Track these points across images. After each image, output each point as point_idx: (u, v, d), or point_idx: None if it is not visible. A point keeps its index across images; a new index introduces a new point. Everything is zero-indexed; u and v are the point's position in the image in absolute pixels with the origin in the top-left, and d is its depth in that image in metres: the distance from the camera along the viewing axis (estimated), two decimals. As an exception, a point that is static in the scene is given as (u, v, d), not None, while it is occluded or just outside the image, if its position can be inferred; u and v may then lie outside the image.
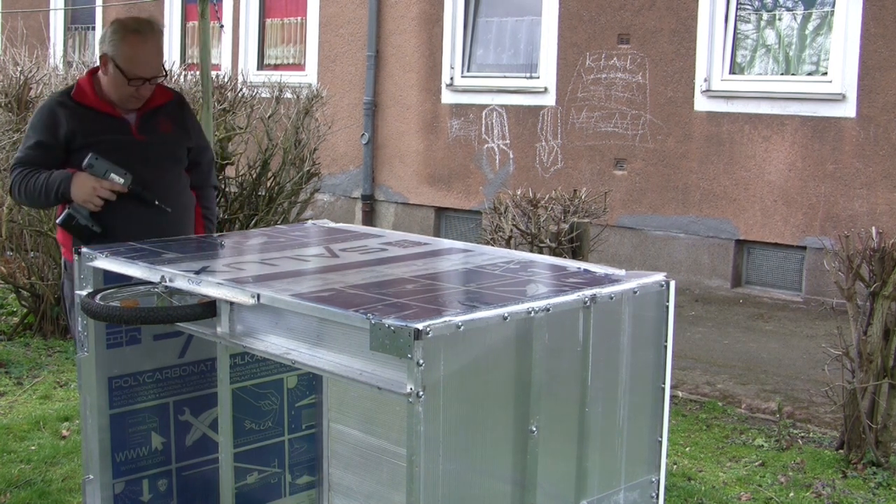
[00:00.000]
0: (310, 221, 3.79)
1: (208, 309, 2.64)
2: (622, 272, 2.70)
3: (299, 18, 11.98)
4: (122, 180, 3.48)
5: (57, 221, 3.59)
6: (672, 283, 2.65)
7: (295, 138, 7.50)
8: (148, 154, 3.62)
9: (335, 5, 11.49)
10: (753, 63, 8.89)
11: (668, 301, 2.65)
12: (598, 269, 2.77)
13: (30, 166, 3.57)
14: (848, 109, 8.13)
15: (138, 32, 3.56)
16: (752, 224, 8.67)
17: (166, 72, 3.72)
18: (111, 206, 3.51)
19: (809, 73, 8.57)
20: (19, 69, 6.54)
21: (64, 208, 3.56)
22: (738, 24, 8.85)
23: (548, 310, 2.33)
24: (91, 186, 3.45)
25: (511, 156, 10.08)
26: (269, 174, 7.49)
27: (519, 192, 5.87)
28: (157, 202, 3.56)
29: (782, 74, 8.68)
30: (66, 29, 14.83)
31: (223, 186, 7.34)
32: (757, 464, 4.84)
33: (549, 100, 9.79)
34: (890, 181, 7.97)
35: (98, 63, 3.65)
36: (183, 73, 7.85)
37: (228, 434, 3.30)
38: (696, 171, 8.95)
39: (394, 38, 10.96)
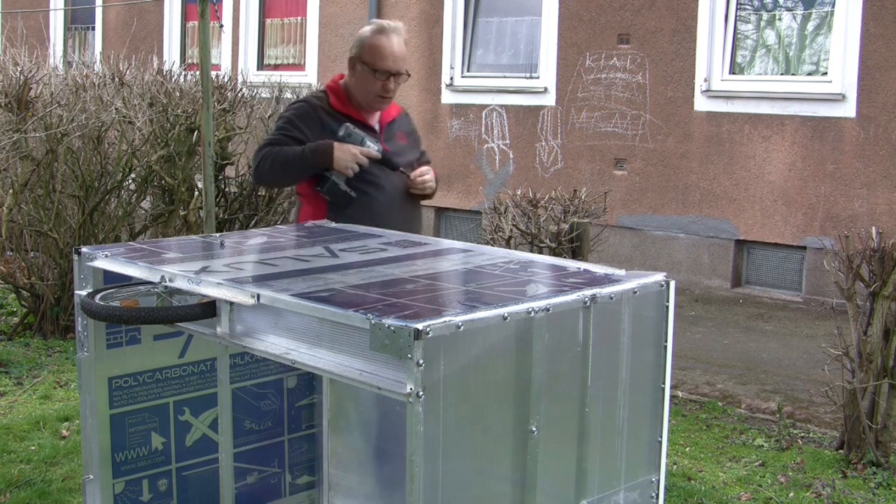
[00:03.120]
0: (310, 221, 3.79)
1: (208, 309, 2.64)
2: (622, 272, 2.70)
3: (299, 18, 11.97)
4: (375, 147, 3.77)
5: (319, 188, 3.79)
6: (672, 283, 2.65)
7: (295, 138, 7.49)
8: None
9: (335, 5, 11.49)
10: (753, 63, 8.89)
11: (668, 301, 2.65)
12: (598, 269, 2.77)
13: (279, 143, 3.78)
14: (848, 109, 8.13)
15: (382, 31, 3.81)
16: (752, 224, 8.67)
17: (409, 75, 3.91)
18: (360, 173, 3.76)
19: (809, 73, 8.57)
20: (19, 69, 6.54)
21: (315, 179, 3.78)
22: (738, 24, 8.85)
23: (548, 310, 2.32)
24: (352, 154, 3.70)
25: (511, 156, 10.08)
26: (270, 174, 7.48)
27: (519, 192, 5.88)
28: (401, 169, 3.85)
29: (782, 74, 8.68)
30: (66, 29, 14.83)
31: (223, 186, 7.35)
32: (757, 464, 4.84)
33: (549, 100, 9.79)
34: (890, 181, 7.97)
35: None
36: (183, 73, 7.85)
37: (228, 434, 3.31)
38: (696, 171, 8.95)
39: (394, 38, 10.94)
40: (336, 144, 3.71)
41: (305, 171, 3.76)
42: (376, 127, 3.90)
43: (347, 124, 3.76)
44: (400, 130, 4.01)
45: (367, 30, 3.85)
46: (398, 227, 3.56)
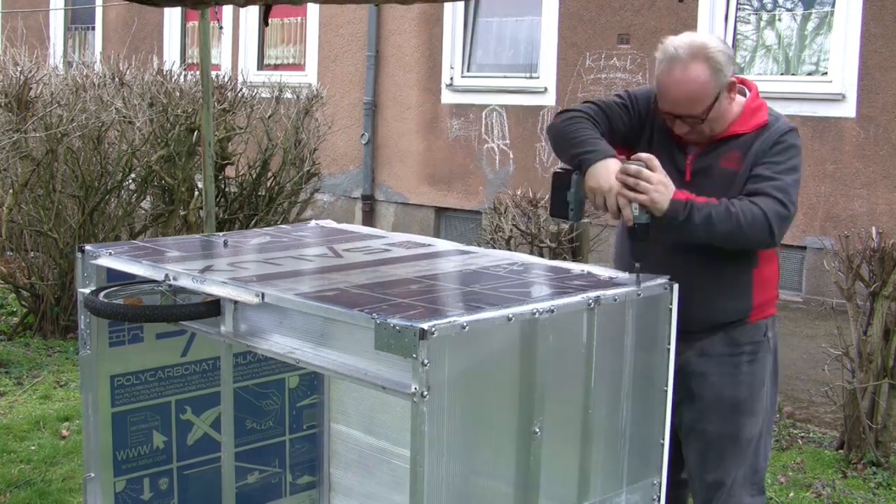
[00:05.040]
0: (313, 221, 3.79)
1: (212, 308, 2.64)
2: (625, 274, 2.70)
3: (299, 18, 11.97)
4: (635, 213, 2.69)
5: (560, 166, 2.90)
6: (675, 286, 2.65)
7: (295, 138, 7.50)
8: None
9: (335, 5, 11.48)
10: (753, 63, 8.90)
11: (671, 304, 2.65)
12: (602, 271, 2.77)
13: (590, 114, 2.92)
14: (848, 109, 8.14)
15: (666, 60, 2.83)
16: (752, 224, 8.66)
17: (704, 117, 2.83)
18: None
19: (809, 73, 8.58)
20: (19, 69, 6.53)
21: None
22: (738, 25, 8.85)
23: (552, 311, 2.33)
24: (608, 187, 2.70)
25: (511, 156, 10.08)
26: (269, 174, 7.49)
27: (519, 192, 5.88)
28: (637, 264, 2.68)
29: (782, 74, 8.68)
30: (66, 29, 14.83)
31: (223, 186, 7.35)
32: (757, 464, 4.84)
33: (549, 100, 9.79)
34: (890, 181, 7.97)
35: None
36: (183, 73, 7.85)
37: (230, 433, 3.31)
38: (695, 172, 8.95)
39: (394, 38, 10.95)
40: (608, 160, 2.75)
41: (566, 154, 2.90)
42: (692, 147, 2.94)
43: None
44: (735, 150, 2.92)
45: (658, 49, 2.91)
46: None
